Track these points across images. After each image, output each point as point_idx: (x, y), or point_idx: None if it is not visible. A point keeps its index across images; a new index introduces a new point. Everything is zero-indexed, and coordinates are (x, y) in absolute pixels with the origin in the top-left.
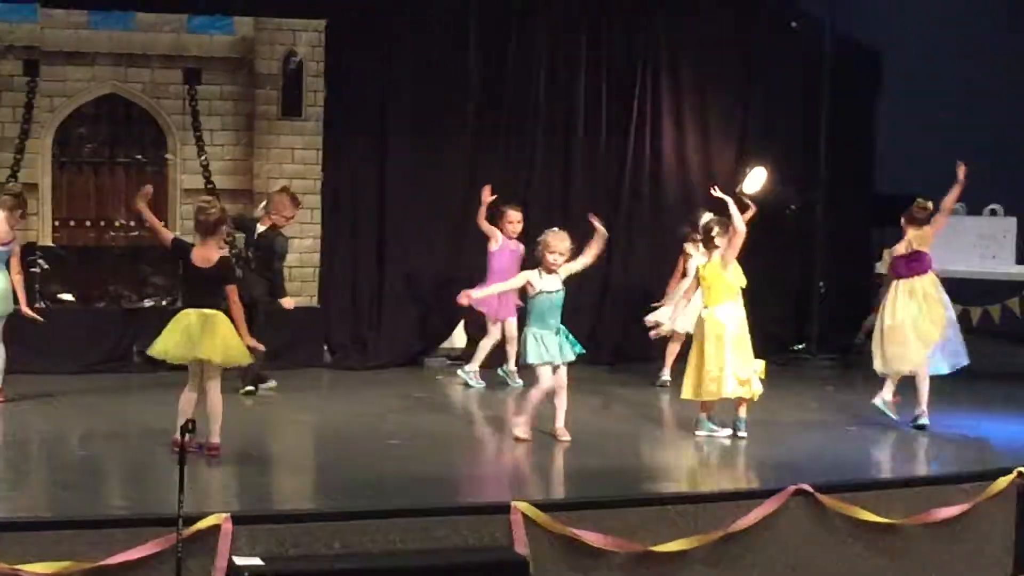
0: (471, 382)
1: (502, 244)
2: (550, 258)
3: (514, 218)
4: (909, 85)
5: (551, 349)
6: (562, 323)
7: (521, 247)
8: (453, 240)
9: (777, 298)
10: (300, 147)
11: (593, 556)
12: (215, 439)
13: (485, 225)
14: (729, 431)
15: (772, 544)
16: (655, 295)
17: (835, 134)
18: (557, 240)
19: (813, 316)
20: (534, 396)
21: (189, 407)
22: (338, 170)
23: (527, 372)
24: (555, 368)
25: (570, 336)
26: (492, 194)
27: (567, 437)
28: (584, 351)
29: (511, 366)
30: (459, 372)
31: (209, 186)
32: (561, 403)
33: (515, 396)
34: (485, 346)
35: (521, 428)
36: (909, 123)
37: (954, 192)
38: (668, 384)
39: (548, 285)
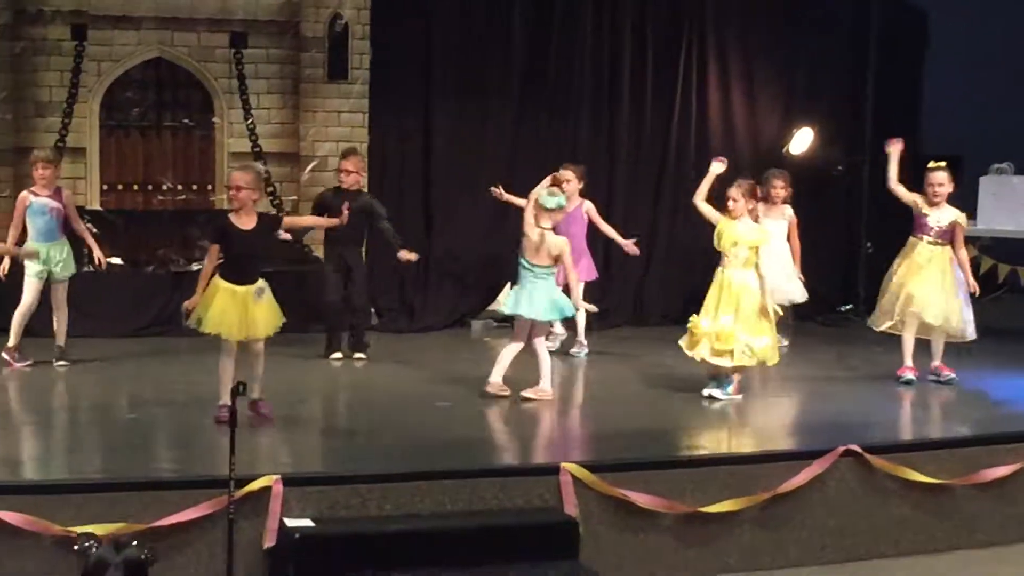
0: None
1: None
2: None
3: (563, 177)
4: (955, 45)
5: (531, 304)
6: (607, 284)
7: (581, 204)
8: (498, 204)
9: (824, 259)
10: (346, 110)
11: (642, 517)
12: (260, 396)
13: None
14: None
15: (821, 505)
16: (700, 261)
17: (881, 95)
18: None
19: (860, 277)
20: (505, 349)
21: (230, 373)
22: (384, 134)
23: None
24: (535, 325)
25: (556, 300)
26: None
27: (534, 396)
28: (570, 314)
29: (580, 335)
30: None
31: (256, 149)
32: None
33: (576, 363)
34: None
35: (490, 384)
36: (956, 83)
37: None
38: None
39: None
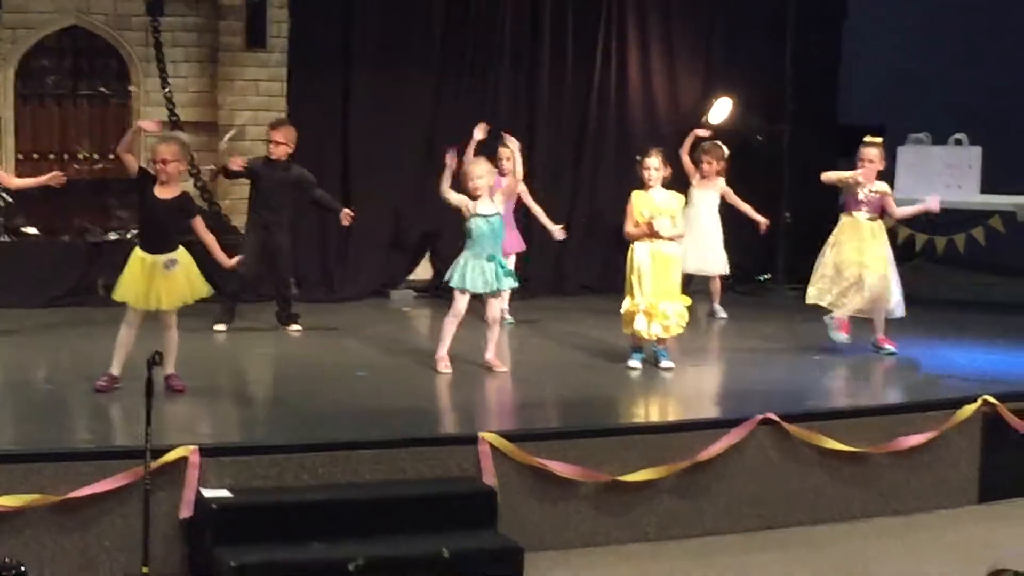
0: (506, 320)
1: (494, 181)
2: (471, 185)
3: (503, 154)
4: (874, 14)
5: (475, 277)
6: (525, 253)
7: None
8: (419, 172)
9: (744, 229)
10: (264, 79)
11: (561, 486)
12: (174, 371)
13: (452, 196)
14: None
15: (739, 473)
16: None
17: (800, 64)
18: (472, 167)
19: (779, 246)
20: (447, 323)
21: (129, 343)
22: (302, 103)
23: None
24: (485, 298)
25: (504, 266)
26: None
27: (502, 367)
28: (517, 283)
29: (503, 304)
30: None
31: (173, 119)
32: (493, 334)
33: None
34: None
35: (439, 362)
36: (873, 51)
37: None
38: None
39: (483, 208)
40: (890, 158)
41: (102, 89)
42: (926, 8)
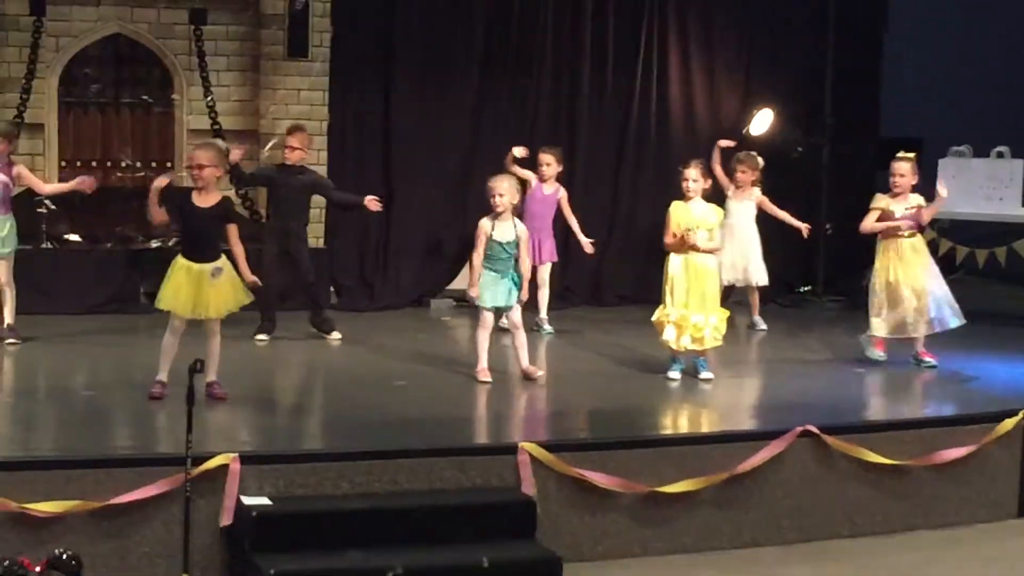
0: (545, 328)
1: (534, 188)
2: (492, 200)
3: (543, 160)
4: (915, 27)
5: (494, 294)
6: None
7: (557, 190)
8: (459, 181)
9: (784, 240)
10: (306, 88)
11: (600, 496)
12: (215, 378)
13: (518, 171)
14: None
15: (778, 485)
16: (659, 237)
17: (841, 77)
18: (497, 182)
19: (819, 258)
20: (480, 337)
21: (174, 350)
22: (344, 111)
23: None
24: (500, 311)
25: (517, 283)
26: (521, 155)
27: (539, 373)
28: (521, 300)
29: (542, 313)
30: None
31: (215, 127)
32: (519, 340)
33: (538, 342)
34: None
35: (480, 372)
36: (915, 64)
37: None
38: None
39: (500, 235)
40: (931, 171)
41: (145, 97)
42: (968, 20)
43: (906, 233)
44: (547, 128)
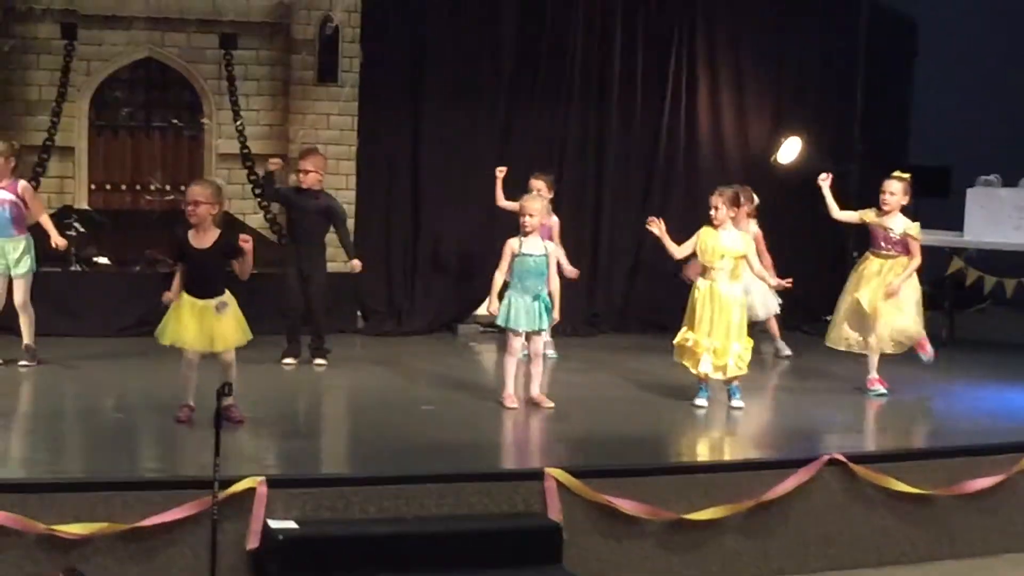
0: (549, 354)
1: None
2: (522, 220)
3: (535, 186)
4: (945, 55)
5: (522, 316)
6: (593, 289)
7: (553, 218)
8: (487, 206)
9: (811, 267)
10: (336, 113)
11: (626, 523)
12: (232, 401)
13: (506, 204)
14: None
15: (805, 514)
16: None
17: (870, 104)
18: (529, 202)
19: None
20: (507, 362)
21: (194, 378)
22: (373, 136)
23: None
24: (529, 335)
25: (548, 304)
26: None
27: (549, 404)
28: (554, 321)
29: (546, 337)
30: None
31: (244, 151)
32: (537, 370)
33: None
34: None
35: (507, 398)
36: (944, 92)
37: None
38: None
39: (528, 248)
40: (960, 200)
41: (175, 121)
42: (997, 48)
43: (884, 252)
44: (575, 155)
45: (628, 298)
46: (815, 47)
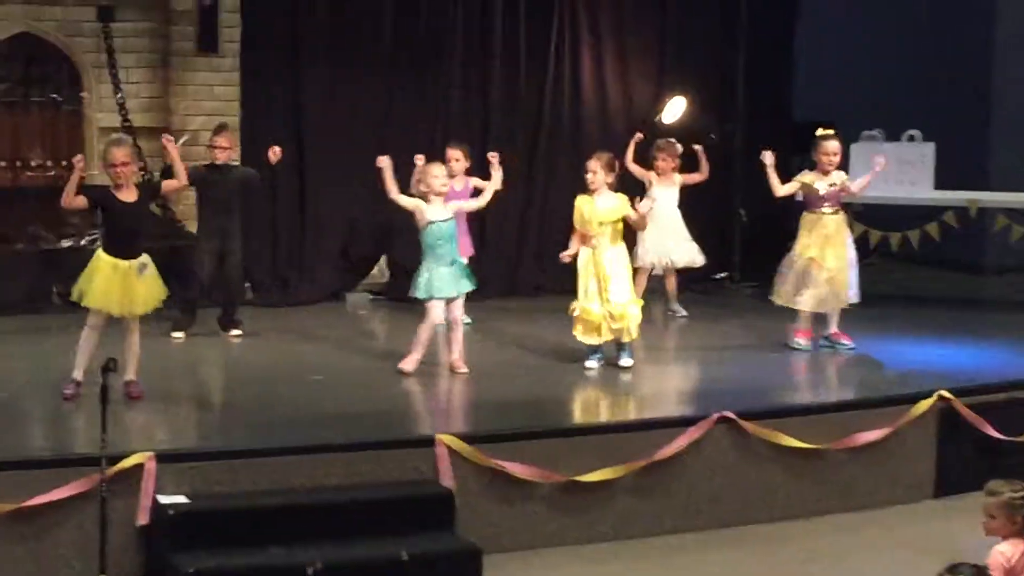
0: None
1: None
2: (432, 183)
3: (452, 156)
4: (826, 12)
5: (441, 283)
6: (479, 250)
7: (467, 184)
8: (372, 174)
9: (698, 227)
10: (218, 84)
11: (518, 487)
12: (134, 377)
13: (402, 201)
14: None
15: (696, 472)
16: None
17: (753, 62)
18: (434, 167)
19: (734, 245)
20: (423, 331)
21: (93, 348)
22: (255, 106)
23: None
24: (449, 301)
25: (465, 269)
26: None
27: (464, 369)
28: (476, 286)
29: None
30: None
31: (126, 124)
32: (456, 336)
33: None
34: None
35: (408, 362)
36: (826, 51)
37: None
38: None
39: (436, 215)
40: (844, 155)
41: (54, 96)
42: (880, 4)
43: (829, 210)
44: (459, 120)
45: (515, 262)
46: (698, 7)
